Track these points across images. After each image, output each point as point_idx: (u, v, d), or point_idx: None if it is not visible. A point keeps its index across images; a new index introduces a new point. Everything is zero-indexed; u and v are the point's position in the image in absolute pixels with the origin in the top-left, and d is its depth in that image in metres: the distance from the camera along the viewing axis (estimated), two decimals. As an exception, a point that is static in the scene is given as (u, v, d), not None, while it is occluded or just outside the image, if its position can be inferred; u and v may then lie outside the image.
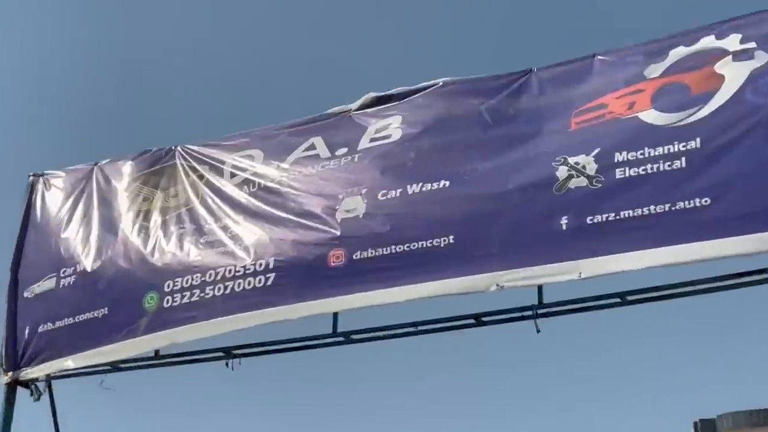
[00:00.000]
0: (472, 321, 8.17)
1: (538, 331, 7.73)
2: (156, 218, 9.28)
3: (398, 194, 8.21)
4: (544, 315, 7.84)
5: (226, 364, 8.85)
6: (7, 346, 9.62)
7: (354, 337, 8.52)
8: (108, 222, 9.56)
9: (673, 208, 7.14)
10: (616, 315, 7.90)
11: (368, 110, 8.88)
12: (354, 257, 8.14)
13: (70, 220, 9.81)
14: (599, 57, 8.10)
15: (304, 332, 8.63)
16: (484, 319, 8.15)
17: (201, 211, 9.09)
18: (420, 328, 8.32)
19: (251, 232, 8.72)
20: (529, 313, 7.83)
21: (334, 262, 8.23)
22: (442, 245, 7.84)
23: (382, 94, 8.90)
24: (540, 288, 7.76)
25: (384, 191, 8.28)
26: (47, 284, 9.60)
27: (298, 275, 8.33)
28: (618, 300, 7.74)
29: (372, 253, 8.09)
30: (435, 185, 8.10)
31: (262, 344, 8.81)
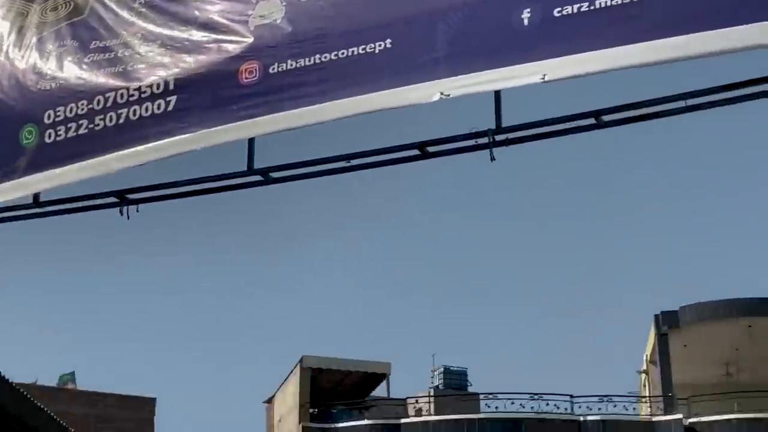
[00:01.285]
0: (416, 152, 6.94)
1: (493, 159, 6.56)
2: (31, 36, 7.77)
3: None
4: (503, 143, 6.65)
5: (120, 212, 7.52)
6: None
7: (274, 174, 7.25)
8: (-26, 44, 8.05)
9: None
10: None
11: None
12: (270, 70, 6.82)
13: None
14: None
15: (213, 170, 7.32)
16: (431, 149, 6.93)
17: (86, 25, 7.61)
18: (353, 162, 7.06)
19: (147, 48, 7.31)
20: (485, 140, 6.62)
21: (246, 77, 6.88)
22: (377, 51, 6.54)
23: None
24: (498, 107, 6.57)
25: None
26: None
27: (204, 96, 6.99)
28: (593, 121, 6.57)
29: (292, 64, 6.77)
30: None
31: (163, 186, 7.47)
